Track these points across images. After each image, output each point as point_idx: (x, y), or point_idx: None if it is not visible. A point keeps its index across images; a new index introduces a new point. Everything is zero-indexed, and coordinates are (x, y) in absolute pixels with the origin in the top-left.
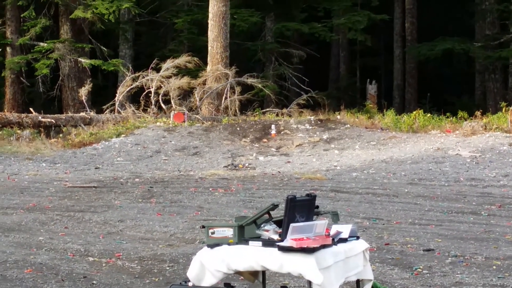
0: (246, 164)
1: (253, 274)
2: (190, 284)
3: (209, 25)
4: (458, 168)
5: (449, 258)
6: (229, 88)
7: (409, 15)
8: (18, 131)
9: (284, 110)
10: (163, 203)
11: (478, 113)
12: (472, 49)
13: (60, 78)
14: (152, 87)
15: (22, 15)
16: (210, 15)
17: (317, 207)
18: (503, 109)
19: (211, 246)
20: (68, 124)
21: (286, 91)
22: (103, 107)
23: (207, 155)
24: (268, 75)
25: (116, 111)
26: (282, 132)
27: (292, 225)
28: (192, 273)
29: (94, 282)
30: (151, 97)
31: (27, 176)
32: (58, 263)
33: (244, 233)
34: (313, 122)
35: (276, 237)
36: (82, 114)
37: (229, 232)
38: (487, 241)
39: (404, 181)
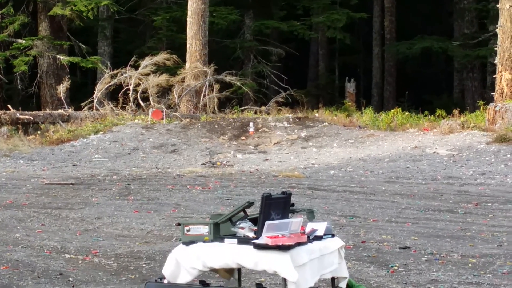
0: (224, 162)
1: (229, 271)
2: (165, 281)
3: (188, 23)
4: (436, 166)
5: (425, 256)
6: (207, 86)
7: (388, 14)
8: None
9: (263, 108)
10: (140, 200)
11: (456, 111)
12: (451, 47)
13: (39, 75)
14: (130, 85)
15: (0, 12)
16: (189, 13)
17: (293, 204)
18: (481, 108)
19: (187, 243)
20: (46, 121)
21: (265, 89)
22: (82, 104)
23: (185, 152)
24: (247, 72)
25: (94, 108)
26: (260, 130)
27: (267, 222)
28: (167, 270)
29: (70, 279)
30: (130, 95)
31: (4, 173)
32: (34, 260)
33: (220, 230)
34: (291, 120)
35: (251, 234)
36: (60, 111)
37: (204, 230)
38: (463, 239)
39: (381, 179)
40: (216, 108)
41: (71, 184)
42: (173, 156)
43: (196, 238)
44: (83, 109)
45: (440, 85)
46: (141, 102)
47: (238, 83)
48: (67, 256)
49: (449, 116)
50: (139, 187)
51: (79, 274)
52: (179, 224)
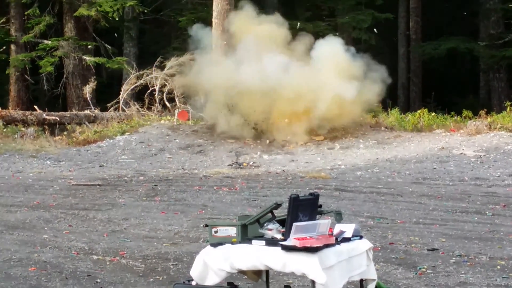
0: (251, 163)
1: (257, 273)
2: (193, 283)
3: (213, 24)
4: (463, 167)
5: (454, 258)
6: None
7: (414, 14)
8: (23, 129)
9: None
10: (167, 201)
11: (482, 112)
12: (477, 48)
13: (65, 76)
14: (156, 85)
15: (26, 13)
16: (214, 14)
17: (320, 206)
18: (508, 108)
19: (214, 245)
20: (72, 122)
21: None
22: (108, 105)
23: (211, 153)
24: None
25: (120, 109)
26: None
27: (295, 224)
28: (195, 272)
29: (98, 280)
30: (155, 95)
31: (31, 174)
32: (62, 261)
33: (247, 232)
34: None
35: (279, 236)
36: (87, 112)
37: (232, 231)
38: (491, 240)
39: (408, 180)
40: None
41: (98, 185)
42: (199, 157)
43: (224, 239)
44: (109, 110)
45: (466, 85)
46: (167, 103)
47: None
48: (95, 257)
49: (475, 117)
50: (166, 188)
51: (106, 275)
52: (206, 226)
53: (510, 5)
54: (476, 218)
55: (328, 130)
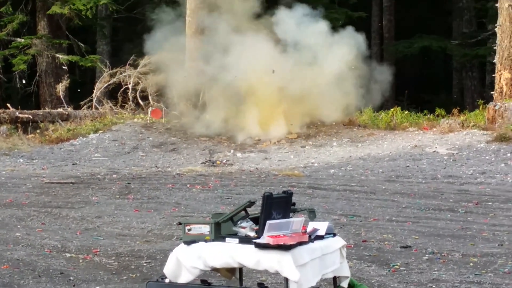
0: (224, 161)
1: (230, 271)
2: (166, 280)
3: (187, 22)
4: (436, 165)
5: (426, 255)
6: (207, 85)
7: (387, 13)
8: None
9: None
10: (140, 199)
11: (455, 110)
12: (449, 47)
13: (38, 74)
14: (129, 84)
15: None
16: (188, 12)
17: (294, 204)
18: (480, 107)
19: (188, 243)
20: (45, 120)
21: None
22: (81, 103)
23: (185, 151)
24: None
25: (93, 107)
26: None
27: (268, 222)
28: (168, 269)
29: (71, 278)
30: (129, 94)
31: (4, 172)
32: (35, 259)
33: (221, 230)
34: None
35: (252, 234)
36: (60, 110)
37: (205, 229)
38: (464, 238)
39: (381, 178)
40: (216, 107)
41: (71, 183)
42: (172, 155)
43: (197, 237)
44: (83, 108)
45: (439, 84)
46: (140, 101)
47: None
48: (68, 255)
49: (448, 115)
50: (139, 186)
51: (80, 273)
52: (180, 224)
53: (482, 4)
54: (449, 215)
55: (303, 126)
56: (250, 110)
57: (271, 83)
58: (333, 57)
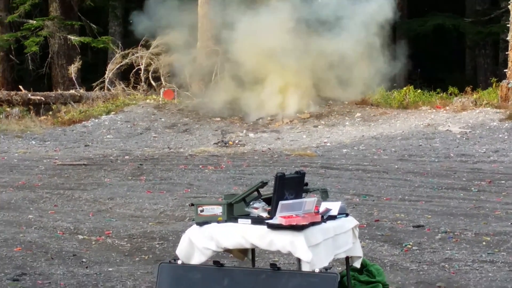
0: (236, 141)
1: (243, 251)
2: (179, 262)
3: (199, 1)
4: (448, 144)
5: (439, 234)
6: (219, 65)
7: None
8: (8, 109)
9: None
10: (153, 180)
11: (468, 89)
12: (463, 24)
13: (50, 56)
14: (141, 64)
15: None
16: None
17: (306, 184)
18: (494, 85)
19: (200, 224)
20: (57, 102)
21: None
22: (93, 84)
23: (197, 132)
24: None
25: (106, 88)
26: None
27: (281, 202)
28: (181, 251)
29: (83, 260)
30: (141, 75)
31: (16, 154)
32: (47, 241)
33: (233, 211)
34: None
35: (265, 214)
36: (72, 91)
37: (218, 210)
38: (477, 217)
39: (394, 157)
40: (228, 88)
41: (84, 164)
42: (185, 136)
43: (210, 218)
44: (95, 90)
45: (452, 62)
46: (152, 82)
47: None
48: (80, 237)
49: (461, 93)
50: (152, 167)
51: (92, 255)
52: (192, 205)
53: None
54: (462, 194)
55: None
56: (262, 87)
57: (285, 59)
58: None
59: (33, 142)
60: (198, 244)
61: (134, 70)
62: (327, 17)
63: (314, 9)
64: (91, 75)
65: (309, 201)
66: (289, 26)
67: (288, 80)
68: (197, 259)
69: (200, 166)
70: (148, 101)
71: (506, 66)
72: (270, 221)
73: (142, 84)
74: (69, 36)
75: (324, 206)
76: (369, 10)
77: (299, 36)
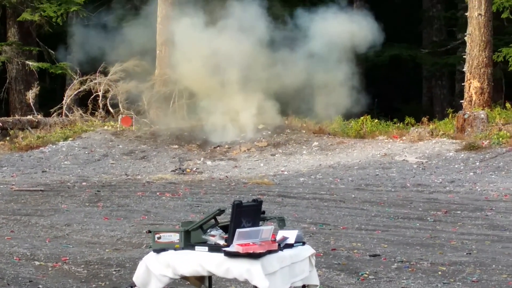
0: (194, 169)
1: (199, 279)
2: None
3: (158, 29)
4: (405, 174)
5: (395, 264)
6: (177, 93)
7: None
8: None
9: None
10: (110, 207)
11: (425, 119)
12: (419, 55)
13: (7, 81)
14: (100, 91)
15: None
16: (159, 19)
17: (264, 212)
18: (450, 116)
19: (157, 251)
20: (15, 127)
21: None
22: (51, 110)
23: (155, 159)
24: None
25: (63, 114)
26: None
27: (238, 230)
28: (138, 278)
29: (40, 286)
30: (99, 101)
31: None
32: (3, 267)
33: (191, 238)
34: (261, 127)
35: (222, 242)
36: (30, 117)
37: (175, 237)
38: (432, 246)
39: (351, 187)
40: (185, 115)
41: (41, 190)
42: (142, 163)
43: (167, 245)
44: (52, 115)
45: (409, 92)
46: (110, 109)
47: None
48: (37, 263)
49: (418, 123)
50: (109, 194)
51: (49, 281)
52: (150, 232)
53: (452, 13)
54: (418, 224)
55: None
56: (220, 113)
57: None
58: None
59: None
60: (155, 271)
61: (92, 96)
62: (292, 39)
63: (280, 30)
64: (49, 101)
65: (266, 229)
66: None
67: (243, 104)
68: (154, 286)
69: (158, 193)
70: (106, 127)
71: (462, 97)
72: (227, 249)
73: (100, 110)
74: (27, 62)
75: (281, 234)
76: (344, 35)
77: (258, 58)
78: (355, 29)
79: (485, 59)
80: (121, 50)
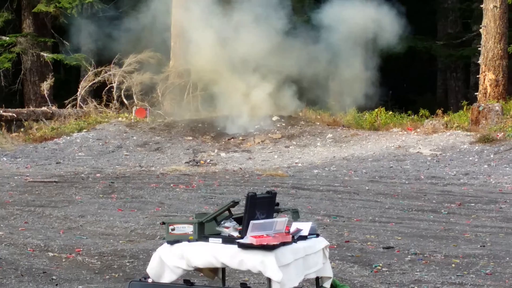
0: (208, 160)
1: (213, 270)
2: (149, 280)
3: (172, 21)
4: (419, 166)
5: (409, 256)
6: (191, 84)
7: None
8: None
9: None
10: (124, 198)
11: (439, 111)
12: (434, 47)
13: (22, 72)
14: (114, 82)
15: None
16: (173, 10)
17: (278, 204)
18: (464, 108)
19: (171, 242)
20: (29, 119)
21: None
22: (65, 101)
23: (169, 150)
24: None
25: (78, 106)
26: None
27: (252, 222)
28: (151, 269)
29: (53, 277)
30: (113, 92)
31: None
32: (17, 258)
33: (204, 230)
34: (275, 119)
35: (236, 234)
36: (44, 108)
37: (189, 229)
38: (446, 239)
39: (365, 179)
40: (200, 106)
41: (55, 182)
42: (156, 155)
43: (181, 237)
44: (67, 107)
45: (424, 84)
46: (124, 100)
47: None
48: (51, 254)
49: (432, 116)
50: (123, 186)
51: (62, 272)
52: (163, 223)
53: (467, 5)
54: (432, 216)
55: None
56: (234, 103)
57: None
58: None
59: (4, 159)
60: (168, 262)
61: (107, 88)
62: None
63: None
64: (63, 92)
65: (280, 221)
66: (266, 37)
67: (258, 95)
68: (167, 278)
69: (171, 185)
70: (120, 119)
71: (477, 89)
72: (241, 241)
73: (114, 102)
74: (42, 53)
75: (295, 226)
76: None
77: (274, 48)
78: (378, 20)
79: (500, 51)
80: (136, 42)
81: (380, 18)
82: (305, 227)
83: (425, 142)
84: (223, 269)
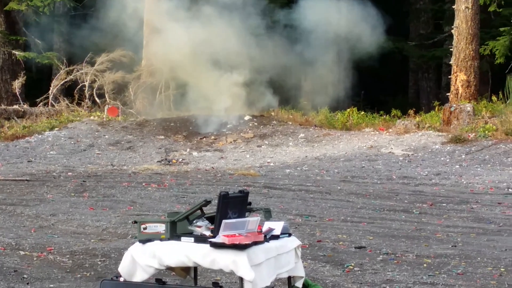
0: (180, 159)
1: (185, 270)
2: (121, 279)
3: (144, 20)
4: (391, 166)
5: (381, 256)
6: (163, 83)
7: None
8: None
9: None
10: (95, 197)
11: (411, 111)
12: (406, 48)
13: None
14: (86, 81)
15: None
16: (146, 9)
17: (250, 203)
18: (436, 108)
19: (143, 241)
20: (1, 117)
21: None
22: (37, 100)
23: (141, 149)
24: None
25: (50, 104)
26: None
27: (224, 221)
28: (123, 268)
29: (25, 276)
30: (85, 91)
31: None
32: None
33: (177, 229)
34: (247, 118)
35: (208, 233)
36: (16, 107)
37: (161, 228)
38: (418, 239)
39: (337, 178)
40: (172, 106)
41: (26, 180)
42: (128, 153)
43: (153, 236)
44: (39, 105)
45: (396, 85)
46: (96, 99)
47: None
48: (22, 253)
49: (404, 116)
50: (95, 184)
51: (33, 271)
52: (135, 222)
53: (439, 6)
54: (403, 216)
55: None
56: (209, 102)
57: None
58: None
59: None
60: (140, 261)
61: (79, 86)
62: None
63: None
64: (35, 90)
65: (252, 221)
66: (238, 34)
67: (230, 94)
68: (139, 277)
69: (143, 184)
70: (92, 117)
71: (448, 90)
72: (213, 240)
73: (86, 100)
74: (13, 51)
75: (267, 225)
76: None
77: (245, 45)
78: (350, 20)
79: (472, 52)
80: (108, 40)
81: (353, 18)
82: (277, 226)
83: (397, 142)
84: (195, 268)
